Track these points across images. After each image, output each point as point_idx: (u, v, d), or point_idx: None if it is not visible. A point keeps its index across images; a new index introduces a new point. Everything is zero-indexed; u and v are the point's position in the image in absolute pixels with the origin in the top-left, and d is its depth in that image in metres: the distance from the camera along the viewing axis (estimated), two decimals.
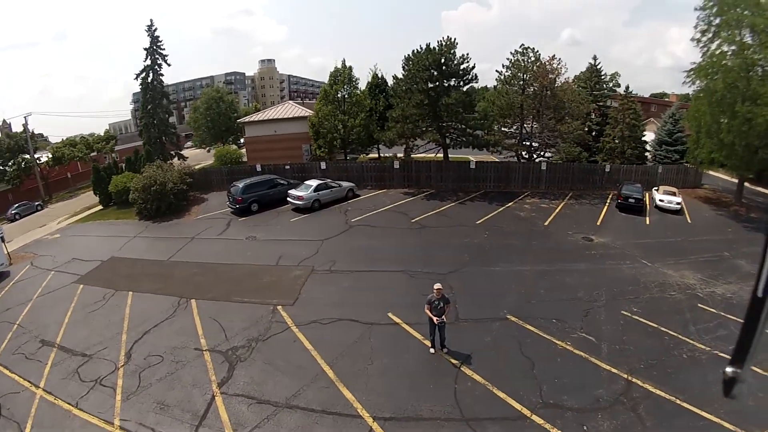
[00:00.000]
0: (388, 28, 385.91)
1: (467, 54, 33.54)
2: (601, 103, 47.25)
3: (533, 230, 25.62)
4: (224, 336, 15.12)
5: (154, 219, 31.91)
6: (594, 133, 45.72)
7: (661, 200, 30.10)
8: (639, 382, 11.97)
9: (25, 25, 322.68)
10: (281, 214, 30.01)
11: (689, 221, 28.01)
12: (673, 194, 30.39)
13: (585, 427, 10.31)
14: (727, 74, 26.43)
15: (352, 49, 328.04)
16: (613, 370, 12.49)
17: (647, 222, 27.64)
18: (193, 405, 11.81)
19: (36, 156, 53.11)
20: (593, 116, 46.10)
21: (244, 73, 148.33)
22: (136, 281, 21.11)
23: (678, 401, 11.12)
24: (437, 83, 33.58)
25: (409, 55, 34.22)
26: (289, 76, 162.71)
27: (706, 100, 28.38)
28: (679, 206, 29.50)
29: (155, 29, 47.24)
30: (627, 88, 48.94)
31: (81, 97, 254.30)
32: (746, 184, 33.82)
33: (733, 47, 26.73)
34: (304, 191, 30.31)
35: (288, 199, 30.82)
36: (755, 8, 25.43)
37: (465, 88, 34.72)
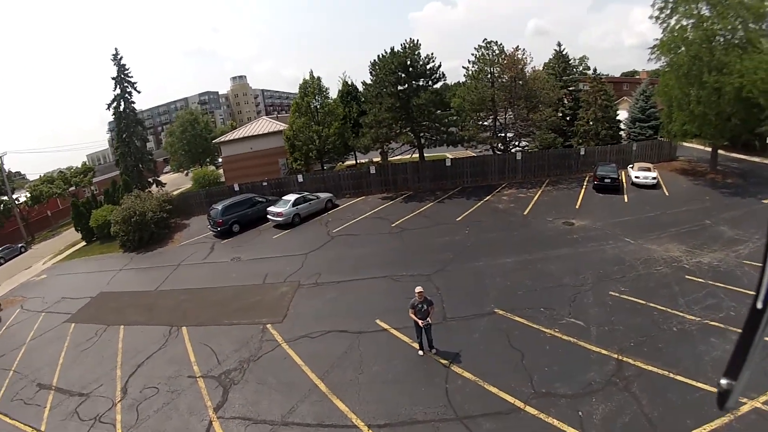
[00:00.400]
0: (358, 33, 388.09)
1: (432, 54, 34.30)
2: (572, 88, 47.77)
3: (513, 221, 25.80)
4: (216, 360, 15.17)
5: (138, 250, 31.90)
6: (568, 118, 46.11)
7: (636, 177, 30.55)
8: (630, 361, 12.05)
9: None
10: (263, 231, 30.10)
11: (667, 194, 28.42)
12: (648, 170, 30.89)
13: (580, 413, 10.35)
14: (689, 47, 27.04)
15: (323, 58, 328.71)
16: (603, 352, 12.57)
17: (625, 200, 27.98)
18: None
19: (14, 196, 52.32)
20: (565, 101, 46.45)
21: (217, 92, 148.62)
22: (126, 314, 21.14)
23: (671, 375, 11.25)
24: (406, 85, 34.00)
25: (375, 60, 34.63)
26: (263, 90, 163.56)
27: (673, 74, 28.89)
28: (655, 180, 30.02)
29: (121, 57, 47.10)
30: (595, 70, 49.49)
31: (55, 131, 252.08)
32: (721, 151, 34.43)
33: (691, 20, 27.32)
34: (282, 207, 30.26)
35: (268, 216, 30.75)
36: None
37: (437, 86, 35.52)
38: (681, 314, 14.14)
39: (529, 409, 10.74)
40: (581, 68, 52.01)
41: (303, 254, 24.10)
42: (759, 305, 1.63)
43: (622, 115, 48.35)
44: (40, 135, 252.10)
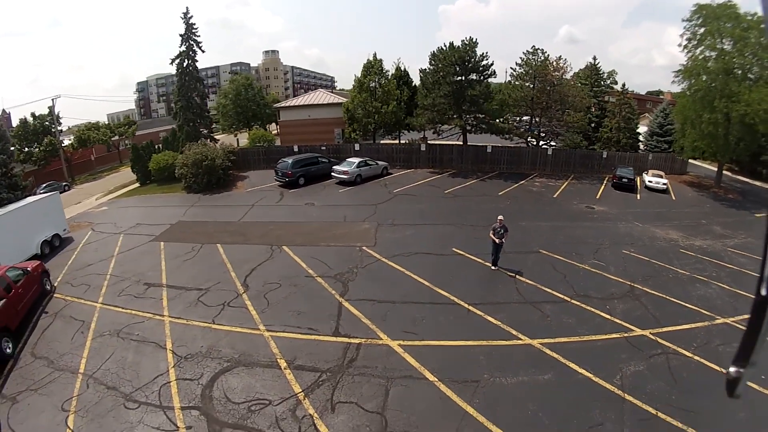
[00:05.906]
0: (385, 21, 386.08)
1: (486, 53, 39.02)
2: (600, 99, 53.17)
3: (545, 200, 31.36)
4: (327, 267, 18.06)
5: (203, 192, 34.63)
6: (593, 125, 51.21)
7: (650, 181, 35.98)
8: (639, 287, 17.06)
9: (19, 13, 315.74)
10: (327, 187, 34.02)
11: (674, 198, 34.45)
12: (661, 176, 36.23)
13: (607, 306, 15.32)
14: (707, 75, 32.37)
15: (346, 41, 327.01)
16: (620, 280, 17.64)
17: (638, 198, 33.73)
18: (326, 310, 14.62)
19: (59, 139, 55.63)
20: (593, 110, 51.50)
21: (249, 64, 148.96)
22: (218, 237, 22.92)
23: (667, 297, 16.24)
24: (462, 77, 39.02)
25: (434, 51, 40.06)
26: (292, 67, 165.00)
27: (690, 97, 34.21)
28: (665, 186, 35.51)
29: (191, 17, 49.25)
30: (623, 85, 54.49)
31: (73, 88, 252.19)
32: (728, 173, 40.32)
33: (713, 53, 32.28)
34: (348, 167, 34.46)
35: (332, 174, 34.90)
36: (734, 21, 31.10)
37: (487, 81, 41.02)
38: (675, 269, 19.26)
39: (574, 301, 15.64)
40: (609, 81, 56.52)
41: (373, 205, 28.21)
42: (763, 292, 1.65)
43: (642, 128, 53.66)
44: (55, 89, 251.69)
